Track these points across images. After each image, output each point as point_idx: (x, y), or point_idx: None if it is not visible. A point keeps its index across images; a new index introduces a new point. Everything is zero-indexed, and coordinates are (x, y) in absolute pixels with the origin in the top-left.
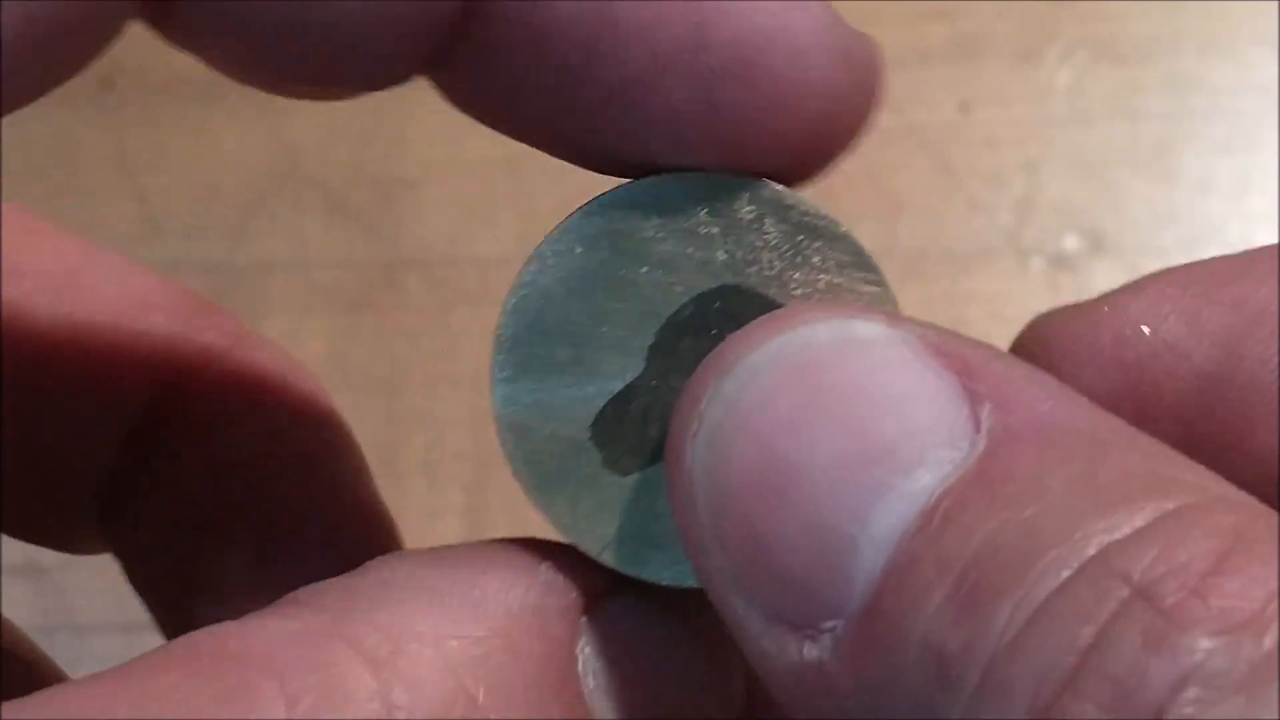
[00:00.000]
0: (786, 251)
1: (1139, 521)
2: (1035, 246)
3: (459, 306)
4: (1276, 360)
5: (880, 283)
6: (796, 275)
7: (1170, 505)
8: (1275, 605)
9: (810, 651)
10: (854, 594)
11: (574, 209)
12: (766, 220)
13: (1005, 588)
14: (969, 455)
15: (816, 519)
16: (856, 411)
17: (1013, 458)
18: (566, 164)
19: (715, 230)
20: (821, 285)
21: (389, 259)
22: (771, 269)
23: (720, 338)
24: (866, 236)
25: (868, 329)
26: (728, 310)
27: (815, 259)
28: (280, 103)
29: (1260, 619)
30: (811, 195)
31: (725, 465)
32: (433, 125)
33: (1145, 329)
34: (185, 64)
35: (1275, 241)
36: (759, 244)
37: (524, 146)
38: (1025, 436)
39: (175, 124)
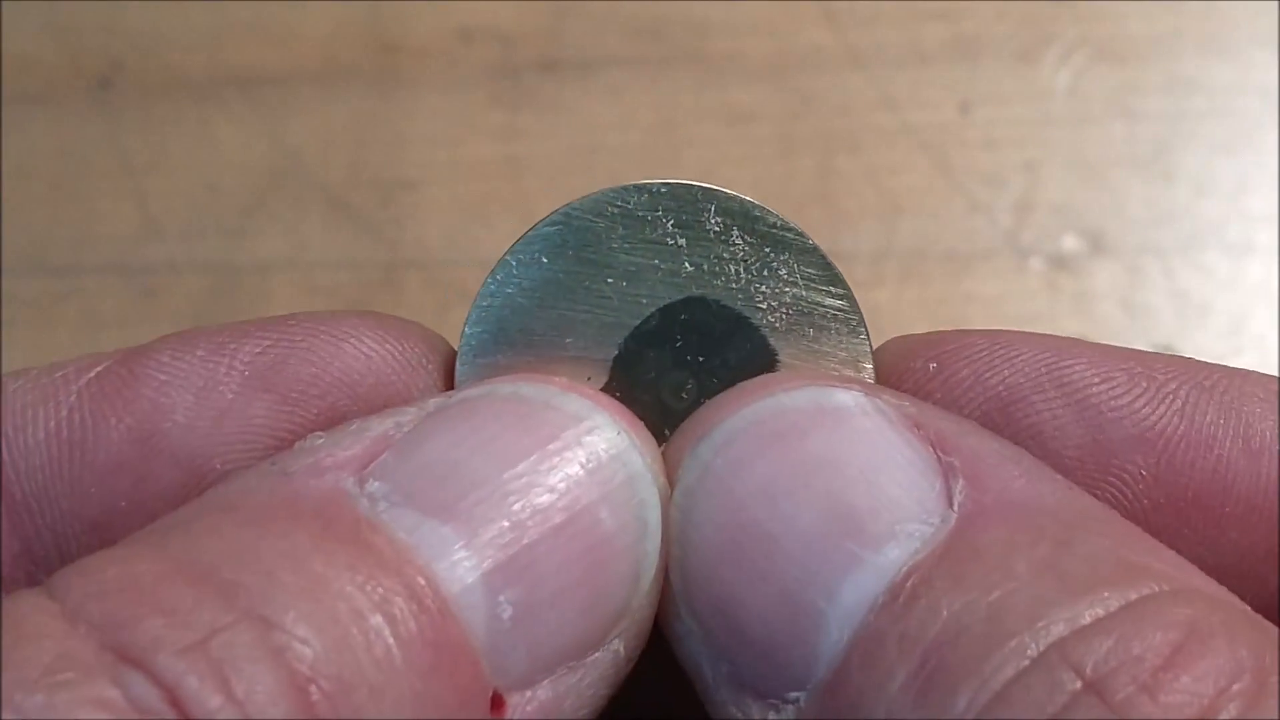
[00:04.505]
0: (753, 264)
1: (1100, 610)
2: (1034, 247)
3: (458, 307)
4: (1045, 433)
5: (847, 297)
6: (763, 288)
7: (1133, 595)
8: (1224, 700)
9: None
10: (819, 667)
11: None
12: (734, 232)
13: (965, 673)
14: (940, 530)
15: (786, 589)
16: (830, 482)
17: (981, 536)
18: (565, 166)
19: (682, 242)
20: (788, 298)
21: (389, 259)
22: (738, 281)
23: (685, 350)
24: (866, 236)
25: (845, 398)
26: (693, 322)
27: (782, 271)
28: (280, 103)
29: (1207, 715)
30: (813, 194)
31: (697, 530)
32: (432, 127)
33: (933, 365)
34: (185, 64)
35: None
36: (725, 256)
37: (523, 147)
38: (995, 514)
39: (175, 124)
